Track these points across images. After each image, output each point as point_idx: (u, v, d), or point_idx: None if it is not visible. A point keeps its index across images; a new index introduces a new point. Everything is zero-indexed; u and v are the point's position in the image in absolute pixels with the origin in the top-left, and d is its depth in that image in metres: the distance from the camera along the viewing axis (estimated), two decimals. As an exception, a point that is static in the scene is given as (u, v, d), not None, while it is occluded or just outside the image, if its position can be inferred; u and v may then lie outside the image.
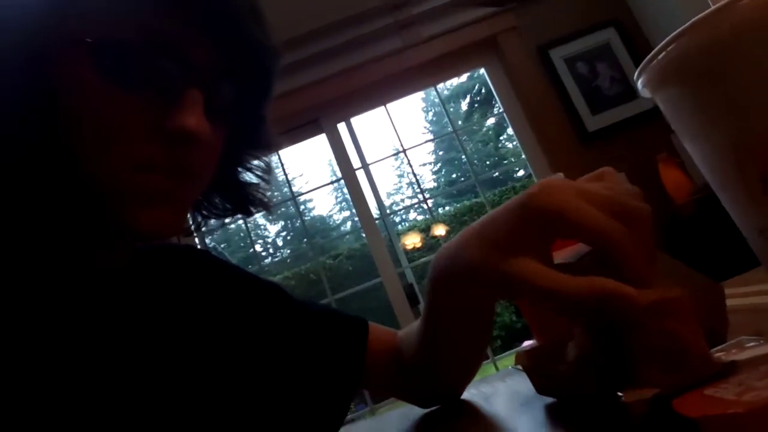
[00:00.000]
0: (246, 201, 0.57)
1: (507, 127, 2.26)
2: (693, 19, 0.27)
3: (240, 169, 0.56)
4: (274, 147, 0.58)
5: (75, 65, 0.37)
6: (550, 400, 0.43)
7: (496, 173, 17.55)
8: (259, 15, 0.45)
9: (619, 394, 0.29)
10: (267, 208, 0.59)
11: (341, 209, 18.31)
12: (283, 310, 0.61)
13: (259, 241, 16.78)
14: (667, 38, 0.28)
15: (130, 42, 0.37)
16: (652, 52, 0.29)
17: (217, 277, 0.59)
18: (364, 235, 2.39)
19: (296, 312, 0.62)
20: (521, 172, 13.04)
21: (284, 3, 2.17)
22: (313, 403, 0.58)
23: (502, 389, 0.55)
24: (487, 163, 16.08)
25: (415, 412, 0.61)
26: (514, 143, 2.43)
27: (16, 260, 0.42)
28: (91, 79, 0.37)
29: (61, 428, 0.36)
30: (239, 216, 0.58)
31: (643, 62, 0.31)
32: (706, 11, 0.26)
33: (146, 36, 0.38)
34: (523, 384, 0.50)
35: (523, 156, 2.42)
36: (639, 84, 0.33)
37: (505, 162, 15.33)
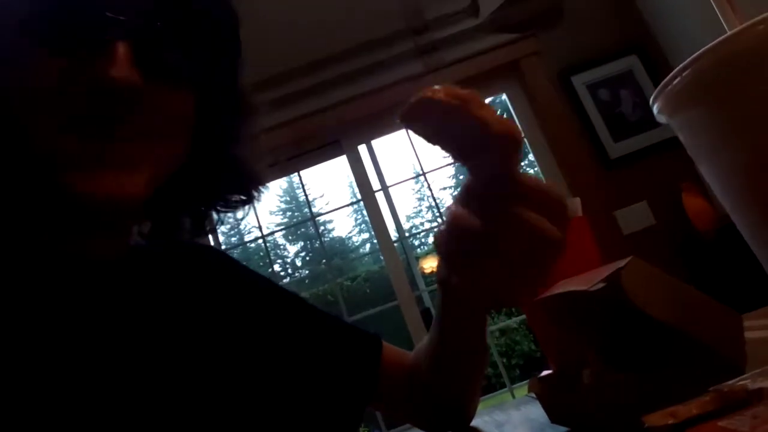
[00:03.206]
0: (242, 180, 0.55)
1: (528, 153, 2.24)
2: (706, 46, 0.27)
3: (229, 145, 0.54)
4: (253, 116, 0.56)
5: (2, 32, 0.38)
6: (563, 429, 0.42)
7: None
8: None
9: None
10: (260, 189, 0.57)
11: (360, 231, 18.34)
12: (298, 316, 0.61)
13: (278, 260, 16.86)
14: (681, 65, 0.28)
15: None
16: (667, 78, 0.29)
17: (230, 277, 0.59)
18: (382, 257, 2.38)
19: (311, 320, 0.61)
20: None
21: (308, 26, 2.21)
22: (323, 414, 0.57)
23: (515, 417, 0.55)
24: (508, 188, 15.97)
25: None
26: (536, 169, 2.42)
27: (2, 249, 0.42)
28: (18, 42, 0.38)
29: (51, 420, 0.37)
30: (248, 219, 0.57)
31: (658, 88, 0.30)
32: (719, 38, 0.26)
33: None
34: (537, 412, 0.50)
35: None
36: (655, 109, 0.33)
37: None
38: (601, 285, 0.34)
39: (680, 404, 0.26)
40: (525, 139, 2.40)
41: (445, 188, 17.38)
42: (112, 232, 0.47)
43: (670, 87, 0.29)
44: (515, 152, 0.32)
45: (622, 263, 0.33)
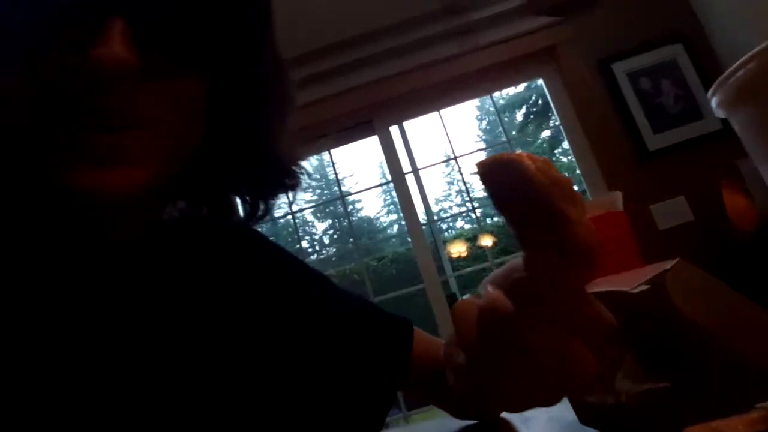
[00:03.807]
0: (273, 170, 0.52)
1: (563, 140, 2.18)
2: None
3: (256, 134, 0.50)
4: (287, 103, 0.52)
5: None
6: (591, 430, 0.41)
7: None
8: None
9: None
10: (297, 179, 0.54)
11: (389, 212, 18.34)
12: (328, 299, 0.60)
13: (306, 237, 17.00)
14: (745, 57, 0.26)
15: None
16: (729, 70, 0.27)
17: (261, 257, 0.58)
18: (409, 239, 2.37)
19: (341, 303, 0.61)
20: (575, 188, 12.72)
21: (344, 3, 2.19)
22: (352, 400, 0.56)
23: (542, 413, 0.53)
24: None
25: (453, 424, 0.60)
26: (570, 157, 2.36)
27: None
28: (9, 20, 0.34)
29: (61, 402, 0.37)
30: (284, 206, 0.55)
31: (718, 80, 0.28)
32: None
33: None
34: (565, 411, 0.48)
35: (578, 171, 2.35)
36: (713, 103, 0.31)
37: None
38: (644, 287, 0.33)
39: (723, 419, 0.25)
40: (561, 128, 2.35)
41: (475, 173, 17.23)
42: (126, 220, 0.44)
43: (732, 79, 0.27)
44: (587, 268, 0.27)
45: (667, 265, 0.31)
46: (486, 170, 0.27)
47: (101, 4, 0.34)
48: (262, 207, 0.53)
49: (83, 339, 0.40)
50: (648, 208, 2.10)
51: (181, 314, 0.46)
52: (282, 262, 0.60)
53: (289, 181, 0.54)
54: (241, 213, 0.54)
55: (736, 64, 0.25)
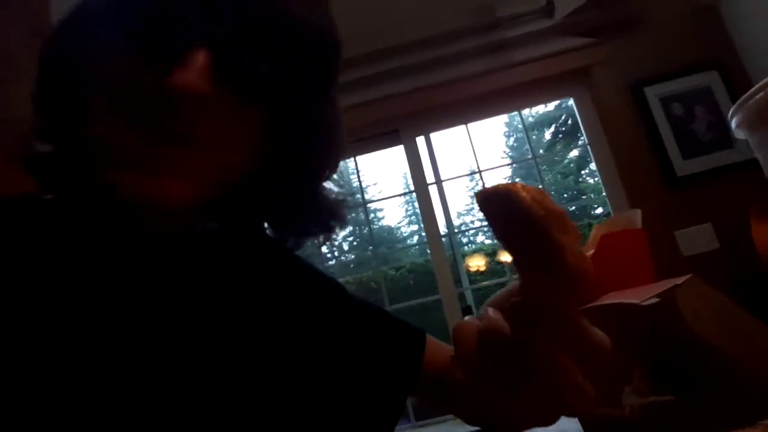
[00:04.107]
0: (321, 214, 0.54)
1: (590, 161, 2.16)
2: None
3: (311, 178, 0.53)
4: (341, 152, 0.54)
5: (95, 24, 0.41)
6: (596, 442, 0.41)
7: (573, 207, 17.06)
8: None
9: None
10: (342, 222, 0.56)
11: (410, 222, 18.31)
12: (341, 309, 0.60)
13: (326, 243, 17.01)
14: (765, 79, 0.27)
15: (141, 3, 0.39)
16: (750, 91, 0.28)
17: (279, 264, 0.59)
18: (428, 250, 2.37)
19: (354, 313, 0.61)
20: (600, 210, 12.57)
21: (378, 15, 2.21)
22: (361, 410, 0.57)
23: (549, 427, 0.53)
24: (565, 196, 15.62)
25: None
26: (596, 179, 2.34)
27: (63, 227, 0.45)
28: (106, 39, 0.40)
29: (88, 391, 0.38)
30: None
31: (739, 101, 0.29)
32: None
33: None
34: (570, 424, 0.49)
35: (604, 193, 2.33)
36: (733, 123, 0.31)
37: (584, 197, 14.86)
38: (654, 300, 0.33)
39: (725, 432, 0.25)
40: (589, 149, 2.33)
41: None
42: (163, 223, 0.47)
43: (752, 101, 0.27)
44: (583, 296, 0.28)
45: (679, 280, 0.31)
46: (485, 200, 0.28)
47: (189, 36, 0.39)
48: (291, 241, 0.55)
49: (107, 324, 0.42)
50: (673, 234, 2.07)
51: (198, 314, 0.47)
52: (298, 268, 0.61)
53: (323, 231, 0.55)
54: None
55: (757, 86, 0.26)
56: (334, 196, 0.55)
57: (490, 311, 0.31)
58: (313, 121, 0.49)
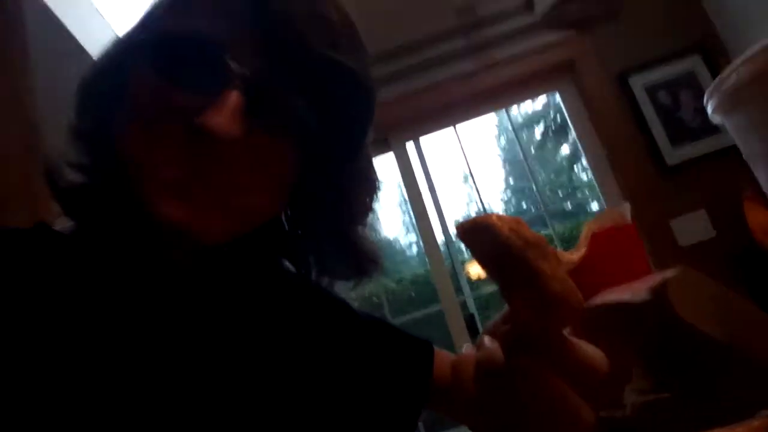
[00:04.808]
0: (351, 258, 0.54)
1: (581, 156, 2.16)
2: (762, 43, 0.24)
3: (340, 222, 0.53)
4: (372, 198, 0.55)
5: (135, 59, 0.42)
6: (602, 446, 0.40)
7: (568, 204, 17.06)
8: (327, 27, 0.44)
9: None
10: (377, 267, 0.56)
11: (408, 232, 18.33)
12: (349, 326, 0.60)
13: (326, 260, 16.98)
14: (737, 60, 0.26)
15: (177, 39, 0.40)
16: (721, 74, 0.27)
17: (286, 285, 0.59)
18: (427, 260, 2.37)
19: (362, 329, 0.61)
20: (595, 205, 12.58)
21: (357, 22, 2.21)
22: (377, 425, 0.56)
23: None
24: (560, 194, 15.64)
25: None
26: (589, 175, 2.35)
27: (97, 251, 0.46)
28: (145, 74, 0.41)
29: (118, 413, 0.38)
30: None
31: (712, 84, 0.28)
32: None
33: (190, 35, 0.40)
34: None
35: (597, 188, 2.33)
36: (709, 108, 0.30)
37: (579, 194, 14.88)
38: (646, 296, 0.32)
39: (727, 427, 0.24)
40: (579, 144, 2.33)
41: (501, 190, 17.15)
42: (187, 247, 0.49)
43: (725, 85, 0.27)
44: (568, 319, 0.29)
45: (669, 273, 0.31)
46: (464, 232, 0.29)
47: (224, 78, 0.39)
48: (324, 281, 0.56)
49: (130, 344, 0.42)
50: (668, 224, 2.06)
51: (211, 334, 0.48)
52: (307, 290, 0.61)
53: (354, 275, 0.55)
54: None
55: (728, 68, 0.25)
56: (368, 241, 0.55)
57: (486, 340, 0.31)
58: (345, 164, 0.50)
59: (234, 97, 0.39)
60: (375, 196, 0.55)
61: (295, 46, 0.41)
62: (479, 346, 0.31)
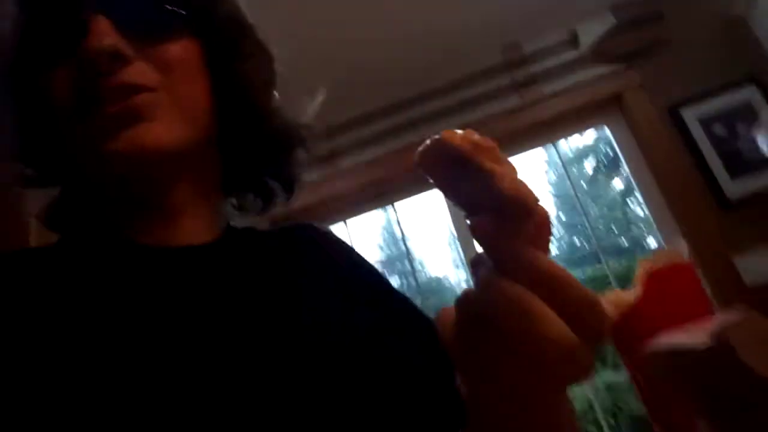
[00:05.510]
0: (281, 132, 0.57)
1: (634, 190, 2.08)
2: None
3: (254, 95, 0.55)
4: (269, 62, 0.57)
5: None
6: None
7: (623, 240, 16.50)
8: None
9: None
10: (300, 140, 0.59)
11: (457, 269, 18.09)
12: (396, 310, 0.59)
13: (375, 297, 16.89)
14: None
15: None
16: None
17: (328, 258, 0.59)
18: (476, 297, 2.32)
19: (409, 315, 0.60)
20: (652, 240, 12.11)
21: (409, 61, 2.24)
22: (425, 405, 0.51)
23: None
24: (614, 229, 15.18)
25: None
26: (645, 209, 2.27)
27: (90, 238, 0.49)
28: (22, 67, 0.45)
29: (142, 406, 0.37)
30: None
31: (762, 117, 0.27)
32: None
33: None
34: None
35: (653, 224, 2.24)
36: (759, 140, 0.29)
37: (634, 229, 14.39)
38: (707, 341, 0.31)
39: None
40: (631, 179, 2.27)
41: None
42: (194, 223, 0.50)
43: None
44: (524, 221, 0.27)
45: (732, 317, 0.29)
46: (421, 156, 0.29)
47: (83, 9, 0.43)
48: (289, 174, 0.59)
49: (155, 334, 0.41)
50: (731, 261, 1.94)
51: (248, 315, 0.46)
52: (356, 265, 0.61)
53: (280, 151, 0.58)
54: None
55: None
56: (289, 121, 0.58)
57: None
58: (238, 38, 0.53)
59: (98, 19, 0.42)
60: (272, 77, 0.57)
61: None
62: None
